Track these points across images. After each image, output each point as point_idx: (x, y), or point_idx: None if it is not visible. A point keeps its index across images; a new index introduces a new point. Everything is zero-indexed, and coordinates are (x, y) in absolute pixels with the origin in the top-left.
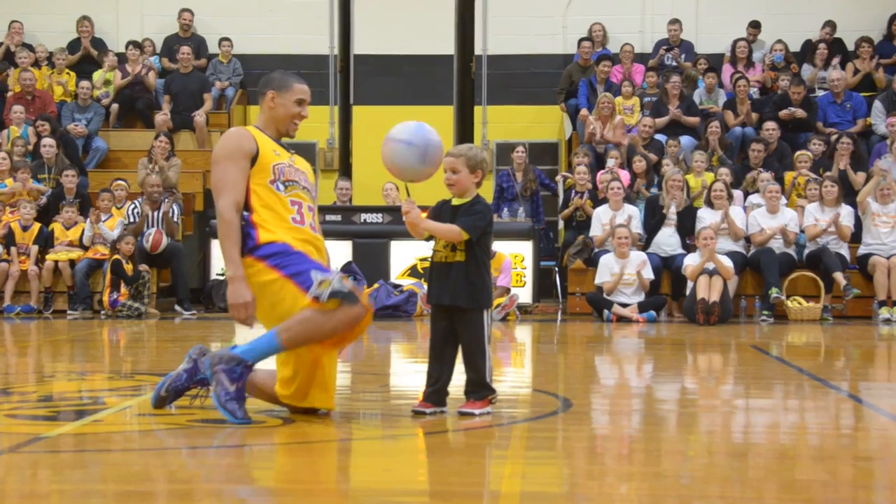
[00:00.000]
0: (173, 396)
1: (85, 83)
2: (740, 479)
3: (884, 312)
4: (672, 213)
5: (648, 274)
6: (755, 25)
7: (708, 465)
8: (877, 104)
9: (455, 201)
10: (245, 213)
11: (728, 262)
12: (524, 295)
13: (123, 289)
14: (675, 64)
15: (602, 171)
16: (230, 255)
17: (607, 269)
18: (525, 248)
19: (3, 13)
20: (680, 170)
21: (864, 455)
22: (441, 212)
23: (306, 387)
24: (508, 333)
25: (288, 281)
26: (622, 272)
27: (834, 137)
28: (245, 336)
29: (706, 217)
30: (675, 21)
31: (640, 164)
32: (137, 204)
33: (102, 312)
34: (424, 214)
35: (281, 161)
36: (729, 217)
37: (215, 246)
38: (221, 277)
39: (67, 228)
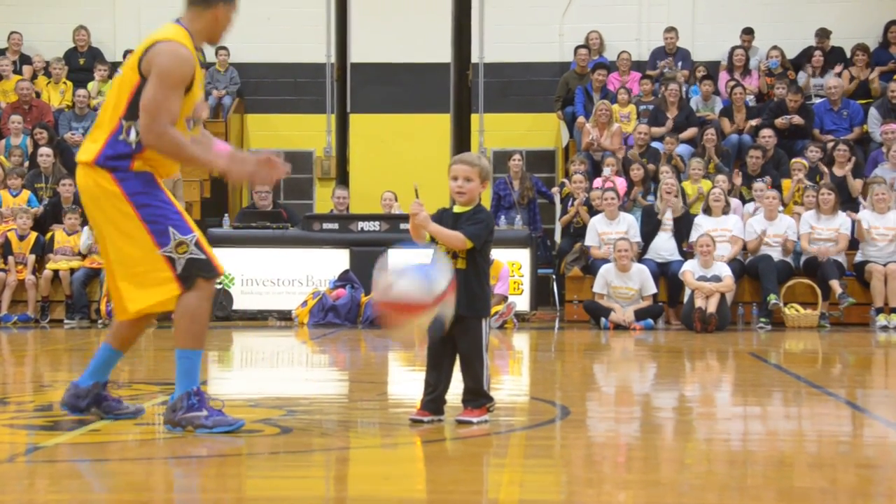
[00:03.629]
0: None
1: (82, 92)
2: (738, 486)
3: (881, 319)
4: (668, 219)
5: (650, 289)
6: (748, 32)
7: (706, 473)
8: (872, 111)
9: (457, 209)
10: (138, 133)
11: (727, 271)
12: (521, 303)
13: None
14: (672, 73)
15: (596, 186)
16: (202, 157)
17: (604, 280)
18: (522, 256)
19: (1, 24)
20: (673, 170)
21: (862, 462)
22: (441, 219)
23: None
24: (506, 341)
25: (143, 227)
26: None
27: (831, 145)
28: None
29: (703, 224)
30: (671, 29)
31: (637, 173)
32: None
33: (100, 321)
34: None
35: (200, 94)
36: (735, 241)
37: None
38: (219, 286)
39: (70, 234)
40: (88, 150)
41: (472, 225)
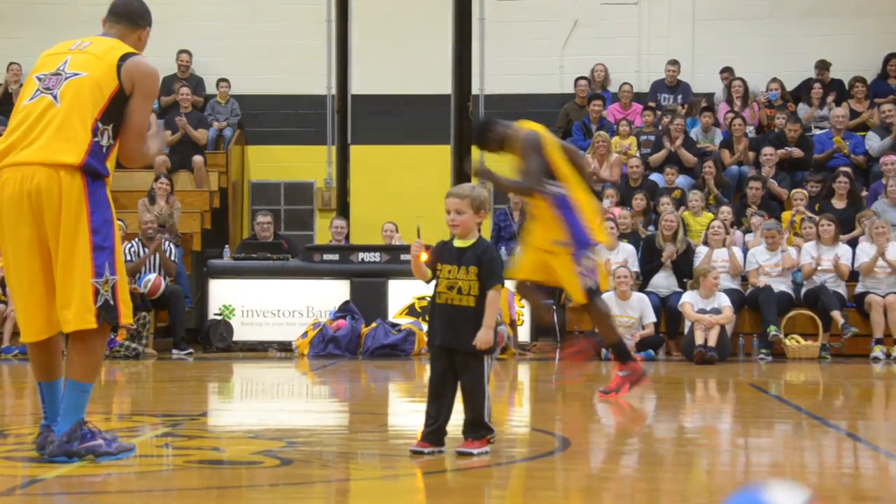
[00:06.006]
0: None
1: None
2: None
3: (875, 351)
4: (668, 258)
5: (650, 318)
6: (726, 70)
7: None
8: (870, 133)
9: (458, 243)
10: (110, 136)
11: (727, 303)
12: (522, 333)
13: (122, 329)
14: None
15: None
16: (151, 154)
17: None
18: None
19: (1, 56)
20: (674, 202)
21: (864, 495)
22: (442, 253)
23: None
24: (507, 372)
25: (88, 251)
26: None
27: (836, 173)
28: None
29: (704, 253)
30: (673, 62)
31: (639, 203)
32: (134, 244)
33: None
34: (424, 253)
35: None
36: (732, 253)
37: (213, 286)
38: (220, 317)
39: None
40: (67, 150)
41: (490, 270)
